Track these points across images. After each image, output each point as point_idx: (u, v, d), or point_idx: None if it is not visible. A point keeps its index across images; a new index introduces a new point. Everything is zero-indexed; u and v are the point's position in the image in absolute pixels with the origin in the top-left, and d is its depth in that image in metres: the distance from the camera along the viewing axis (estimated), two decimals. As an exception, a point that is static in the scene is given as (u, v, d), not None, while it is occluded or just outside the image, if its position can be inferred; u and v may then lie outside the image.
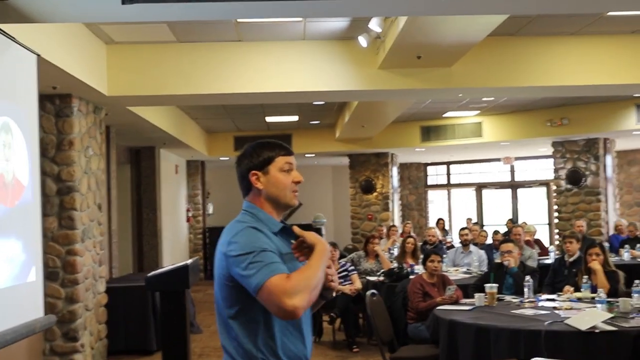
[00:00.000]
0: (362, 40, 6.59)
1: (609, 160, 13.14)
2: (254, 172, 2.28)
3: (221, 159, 15.50)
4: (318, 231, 2.84)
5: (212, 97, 7.52)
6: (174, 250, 13.84)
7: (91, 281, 6.98)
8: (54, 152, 6.60)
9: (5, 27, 3.84)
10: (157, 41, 6.97)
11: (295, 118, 12.52)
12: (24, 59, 4.12)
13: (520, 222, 14.02)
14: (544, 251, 10.42)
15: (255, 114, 11.82)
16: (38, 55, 4.26)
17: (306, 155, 15.17)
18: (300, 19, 6.31)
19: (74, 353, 6.55)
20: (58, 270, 6.56)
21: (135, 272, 11.45)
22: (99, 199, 7.32)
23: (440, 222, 14.26)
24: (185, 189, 15.83)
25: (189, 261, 5.07)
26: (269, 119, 12.52)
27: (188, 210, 15.85)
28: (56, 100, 6.62)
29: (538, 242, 11.03)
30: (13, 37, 3.92)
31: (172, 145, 12.37)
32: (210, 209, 17.08)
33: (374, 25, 6.04)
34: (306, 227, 2.53)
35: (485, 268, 8.24)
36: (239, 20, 6.25)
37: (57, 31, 5.45)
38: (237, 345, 2.18)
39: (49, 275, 6.52)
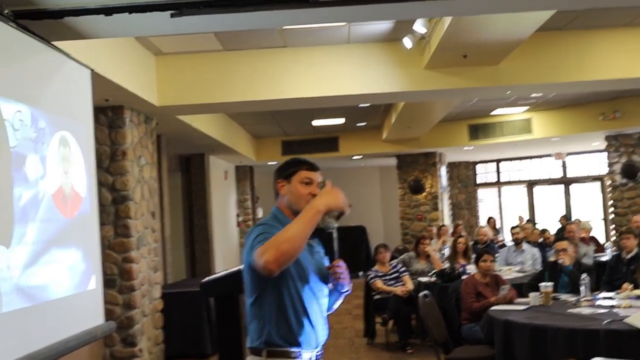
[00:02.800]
0: (407, 42, 6.59)
1: (666, 153, 12.77)
2: (280, 180, 2.74)
3: (269, 163, 15.62)
4: (330, 236, 2.91)
5: (258, 104, 7.60)
6: (226, 255, 14.01)
7: (147, 287, 7.14)
8: (108, 162, 6.78)
9: (60, 44, 3.98)
10: (204, 50, 7.09)
11: (341, 120, 12.54)
12: (78, 74, 4.24)
13: (573, 218, 13.73)
14: (600, 248, 10.20)
15: (302, 118, 11.89)
16: (91, 69, 4.39)
17: (353, 157, 15.19)
18: (344, 23, 6.34)
19: (132, 358, 6.71)
20: (115, 277, 6.73)
21: (189, 277, 11.64)
22: (152, 207, 7.48)
23: (491, 220, 14.08)
24: (234, 194, 16.02)
25: (242, 266, 5.14)
26: (315, 122, 12.58)
27: (238, 215, 16.03)
28: (109, 112, 6.79)
29: (594, 239, 10.80)
30: (68, 54, 4.05)
31: (221, 152, 12.54)
32: (259, 213, 17.24)
33: (419, 26, 6.03)
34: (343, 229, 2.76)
35: (539, 266, 8.12)
36: (283, 27, 6.32)
37: (108, 45, 5.60)
38: (256, 328, 2.57)
39: (107, 282, 6.67)
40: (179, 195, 12.27)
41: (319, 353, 2.68)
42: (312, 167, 2.73)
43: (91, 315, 4.20)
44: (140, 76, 6.58)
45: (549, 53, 7.10)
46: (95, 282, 4.25)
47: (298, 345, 2.57)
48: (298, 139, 14.57)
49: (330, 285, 2.72)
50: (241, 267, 5.15)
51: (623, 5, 5.37)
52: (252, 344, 2.61)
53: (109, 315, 6.58)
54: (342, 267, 2.67)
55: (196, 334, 7.71)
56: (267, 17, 3.78)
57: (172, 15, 3.70)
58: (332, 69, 7.14)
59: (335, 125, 13.11)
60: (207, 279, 5.16)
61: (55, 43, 3.90)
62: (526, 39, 6.21)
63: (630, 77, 7.18)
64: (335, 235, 2.70)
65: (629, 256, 6.86)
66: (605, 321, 4.56)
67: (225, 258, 13.67)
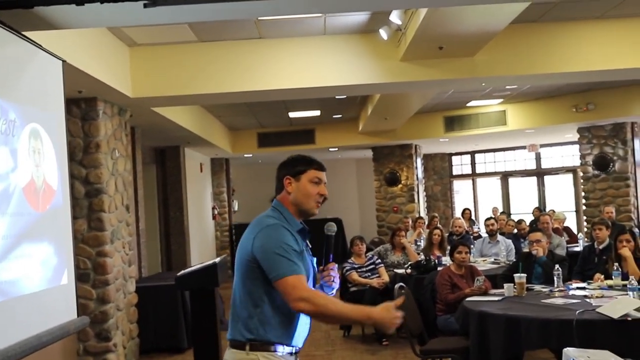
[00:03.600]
0: (383, 33, 6.58)
1: (638, 144, 12.94)
2: (288, 177, 2.73)
3: (245, 155, 15.57)
4: (329, 238, 2.91)
5: (234, 95, 7.55)
6: (202, 248, 13.95)
7: (121, 281, 7.07)
8: (81, 155, 6.69)
9: (31, 34, 3.90)
10: (179, 41, 7.01)
11: (317, 113, 12.52)
12: (50, 66, 4.17)
13: (547, 209, 13.88)
14: (573, 239, 10.31)
15: (278, 110, 11.85)
16: (63, 60, 4.31)
17: (330, 149, 15.18)
18: (320, 14, 6.31)
19: (107, 353, 6.65)
20: (89, 271, 6.66)
21: (164, 271, 11.57)
22: (126, 200, 7.41)
23: (466, 212, 14.18)
24: (210, 186, 15.94)
25: (218, 259, 5.12)
26: (291, 114, 12.54)
27: (214, 208, 15.95)
28: (82, 104, 6.70)
29: (567, 230, 10.92)
30: (39, 45, 3.98)
31: (197, 144, 12.45)
32: (235, 206, 17.18)
33: (395, 17, 6.03)
34: (319, 222, 2.87)
35: (513, 258, 8.18)
36: (259, 17, 6.27)
37: (81, 36, 5.51)
38: (245, 323, 2.59)
39: (81, 276, 6.61)
40: (154, 188, 12.16)
41: (299, 347, 2.73)
42: (322, 167, 2.79)
43: (64, 310, 4.14)
44: (114, 67, 6.49)
45: (524, 45, 7.14)
46: (67, 277, 4.19)
47: (289, 341, 2.64)
48: (274, 131, 14.53)
49: (317, 285, 2.79)
50: (217, 260, 5.13)
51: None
52: (236, 337, 2.62)
53: (82, 309, 6.50)
54: (334, 270, 2.78)
55: (171, 328, 7.66)
56: (242, 7, 3.75)
57: (145, 6, 3.65)
58: (308, 60, 7.11)
59: (311, 117, 13.09)
60: (182, 272, 5.13)
61: (26, 34, 3.83)
62: (501, 31, 6.24)
63: (602, 69, 7.25)
64: (332, 240, 2.80)
65: (601, 247, 6.94)
66: (578, 311, 4.61)
67: (201, 251, 13.61)
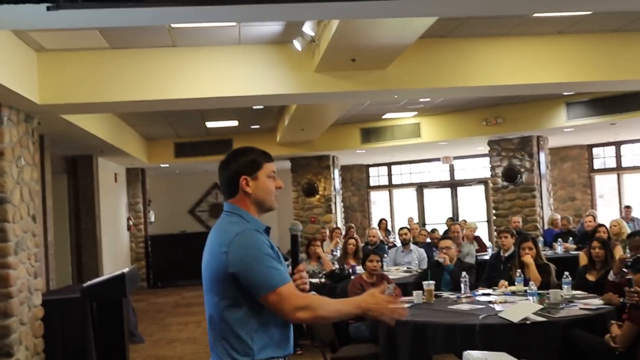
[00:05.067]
0: (297, 44, 6.64)
1: (543, 157, 13.54)
2: (244, 177, 2.49)
3: (162, 166, 15.31)
4: (295, 238, 2.87)
5: (147, 104, 7.44)
6: (116, 259, 13.60)
7: (26, 294, 6.80)
8: (-17, 163, 6.41)
9: None
10: (90, 48, 6.85)
11: (235, 123, 12.47)
12: (-54, 68, 4.00)
13: (460, 220, 14.30)
14: (483, 247, 10.66)
15: (195, 119, 11.73)
16: (-39, 63, 4.15)
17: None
18: (234, 23, 6.31)
19: (9, 369, 6.38)
20: (-9, 284, 6.37)
21: (75, 283, 11.20)
22: (32, 210, 7.14)
23: (382, 222, 14.44)
24: (125, 197, 15.58)
25: (126, 270, 5.00)
26: (209, 124, 12.44)
27: (129, 219, 15.60)
28: (-16, 109, 6.44)
29: (477, 239, 11.27)
30: None
31: (110, 153, 12.16)
32: (152, 217, 16.85)
33: (307, 29, 6.09)
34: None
35: (425, 266, 8.38)
36: (172, 25, 6.21)
37: (-17, 39, 5.31)
38: (241, 342, 2.35)
39: (-19, 289, 6.33)
40: (65, 198, 11.79)
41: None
42: (272, 158, 2.60)
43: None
44: (20, 72, 6.27)
45: (434, 59, 7.36)
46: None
47: (286, 351, 2.47)
48: (191, 141, 14.38)
49: None
50: (125, 270, 5.02)
51: (493, 14, 5.66)
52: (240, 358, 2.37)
53: (-18, 324, 6.24)
54: (304, 271, 2.62)
55: (79, 342, 7.38)
56: (149, 13, 3.71)
57: (48, 9, 3.54)
58: (222, 70, 7.09)
59: (229, 127, 13.02)
60: (88, 283, 4.99)
61: None
62: (412, 44, 6.41)
63: (508, 84, 7.57)
64: (299, 239, 2.66)
65: (506, 254, 7.21)
66: (482, 316, 4.78)
67: (115, 263, 13.26)
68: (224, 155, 2.61)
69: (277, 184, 2.56)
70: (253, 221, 2.48)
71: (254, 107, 10.35)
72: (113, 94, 6.97)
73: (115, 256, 13.79)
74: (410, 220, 14.71)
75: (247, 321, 2.36)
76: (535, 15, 6.63)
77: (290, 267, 2.64)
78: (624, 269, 5.47)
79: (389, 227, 16.11)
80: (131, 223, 15.69)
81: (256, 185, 2.50)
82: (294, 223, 2.68)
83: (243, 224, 2.44)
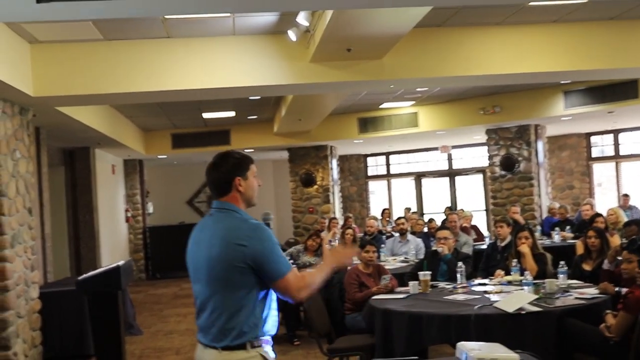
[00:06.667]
0: (292, 34, 6.60)
1: (541, 145, 13.52)
2: (238, 177, 2.83)
3: (159, 157, 15.30)
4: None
5: (142, 95, 7.40)
6: (114, 251, 13.60)
7: (23, 287, 6.80)
8: (-22, 156, 6.40)
9: None
10: (84, 39, 6.81)
11: (232, 114, 12.44)
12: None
13: (458, 209, 14.29)
14: (480, 237, 10.66)
15: (192, 110, 11.70)
16: (-48, 57, 4.12)
17: (245, 150, 15.11)
18: (228, 14, 6.28)
19: (6, 362, 6.38)
20: (-13, 277, 6.36)
21: (73, 275, 11.19)
22: (28, 203, 7.13)
23: (385, 212, 14.41)
24: (123, 188, 15.57)
25: (121, 262, 5.00)
26: (205, 115, 12.41)
27: (127, 211, 15.60)
28: (-22, 102, 6.42)
29: (475, 228, 11.28)
30: None
31: (108, 145, 12.14)
32: (150, 208, 16.85)
33: (302, 19, 6.06)
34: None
35: (422, 256, 8.36)
36: (166, 16, 6.17)
37: (-25, 32, 5.28)
38: (241, 325, 2.67)
39: (-22, 283, 6.33)
40: (62, 191, 11.78)
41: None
42: (253, 160, 2.96)
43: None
44: (13, 65, 6.24)
45: (430, 48, 7.33)
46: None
47: (274, 331, 2.83)
48: (189, 132, 14.35)
49: None
50: (120, 263, 5.02)
51: (488, 3, 5.63)
52: (233, 342, 2.68)
53: (-21, 317, 6.24)
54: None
55: (77, 334, 7.42)
56: (142, 4, 3.67)
57: (38, 1, 3.52)
58: (217, 61, 7.05)
59: (226, 118, 12.99)
60: (83, 276, 4.99)
61: None
62: (407, 33, 6.37)
63: (503, 72, 7.53)
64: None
65: (503, 244, 7.21)
66: (477, 306, 4.78)
67: (114, 255, 13.27)
68: (212, 159, 2.89)
69: (258, 182, 2.94)
70: (248, 216, 2.81)
71: (251, 98, 10.31)
72: (107, 86, 6.94)
73: (114, 248, 13.79)
74: (406, 211, 14.69)
75: (248, 304, 2.67)
76: (532, 3, 6.59)
77: None
78: (618, 257, 5.47)
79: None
80: (129, 214, 15.68)
81: (247, 185, 2.85)
82: (266, 213, 3.09)
83: (246, 218, 2.77)
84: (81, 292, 5.01)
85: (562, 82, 11.06)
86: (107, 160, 13.81)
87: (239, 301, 2.68)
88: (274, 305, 2.81)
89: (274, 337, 2.89)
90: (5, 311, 6.38)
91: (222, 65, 7.05)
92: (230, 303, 2.68)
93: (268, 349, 2.78)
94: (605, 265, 5.61)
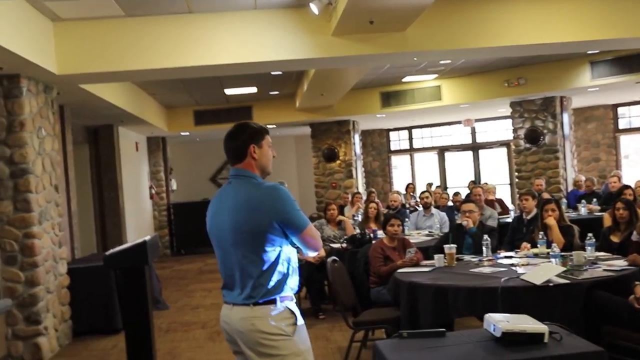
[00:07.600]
0: (314, 8, 6.53)
1: (566, 118, 13.34)
2: (253, 145, 2.99)
3: (182, 134, 15.35)
4: None
5: (165, 72, 7.40)
6: (139, 228, 13.75)
7: (51, 263, 6.90)
8: (4, 134, 6.48)
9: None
10: (105, 16, 6.81)
11: (254, 89, 12.42)
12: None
13: (482, 183, 14.19)
14: (505, 210, 10.58)
15: (213, 87, 11.70)
16: (-23, 34, 4.14)
17: (267, 126, 15.05)
18: (249, -12, 6.23)
19: (37, 336, 6.50)
20: (16, 254, 6.48)
21: (100, 252, 11.35)
22: (55, 180, 7.21)
23: (409, 186, 14.34)
24: (147, 165, 15.68)
25: (147, 237, 5.04)
26: (227, 91, 12.41)
27: (151, 188, 15.72)
28: (4, 81, 6.47)
29: (500, 202, 11.19)
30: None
31: (131, 123, 12.21)
32: (173, 185, 16.96)
33: (324, -9, 5.99)
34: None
35: (446, 230, 8.32)
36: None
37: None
38: (269, 281, 2.88)
39: (7, 259, 6.44)
40: (87, 168, 11.90)
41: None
42: (269, 132, 3.13)
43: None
44: (37, 43, 6.27)
45: (454, 20, 7.22)
46: (-12, 259, 4.06)
47: (297, 287, 3.03)
48: (211, 108, 14.36)
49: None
50: (146, 238, 5.05)
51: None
52: (264, 297, 2.88)
53: (9, 293, 6.37)
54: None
55: (105, 309, 7.54)
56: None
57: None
58: (239, 35, 7.02)
59: (247, 94, 12.98)
60: (110, 251, 5.02)
61: None
62: (431, 5, 6.28)
63: (530, 43, 7.40)
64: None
65: (529, 217, 7.14)
66: (504, 279, 4.74)
67: (139, 231, 13.41)
68: (230, 129, 3.05)
69: (272, 153, 3.08)
70: (263, 181, 2.99)
71: (272, 73, 10.27)
72: (129, 63, 6.95)
73: (139, 224, 13.93)
74: (428, 186, 14.60)
75: (277, 262, 2.89)
76: (558, -29, 6.46)
77: None
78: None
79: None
80: (153, 191, 15.81)
81: (261, 153, 3.01)
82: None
83: (262, 182, 2.96)
84: (109, 268, 5.04)
85: (589, 52, 10.85)
86: (131, 138, 13.90)
87: (267, 260, 2.87)
88: (294, 263, 3.00)
89: (300, 311, 3.01)
90: (35, 286, 6.49)
91: (243, 40, 7.01)
92: (259, 263, 2.87)
93: (293, 305, 2.98)
94: (634, 237, 5.53)
